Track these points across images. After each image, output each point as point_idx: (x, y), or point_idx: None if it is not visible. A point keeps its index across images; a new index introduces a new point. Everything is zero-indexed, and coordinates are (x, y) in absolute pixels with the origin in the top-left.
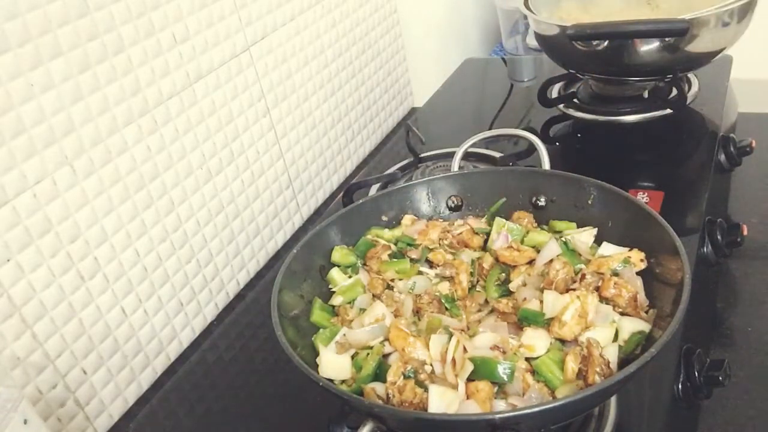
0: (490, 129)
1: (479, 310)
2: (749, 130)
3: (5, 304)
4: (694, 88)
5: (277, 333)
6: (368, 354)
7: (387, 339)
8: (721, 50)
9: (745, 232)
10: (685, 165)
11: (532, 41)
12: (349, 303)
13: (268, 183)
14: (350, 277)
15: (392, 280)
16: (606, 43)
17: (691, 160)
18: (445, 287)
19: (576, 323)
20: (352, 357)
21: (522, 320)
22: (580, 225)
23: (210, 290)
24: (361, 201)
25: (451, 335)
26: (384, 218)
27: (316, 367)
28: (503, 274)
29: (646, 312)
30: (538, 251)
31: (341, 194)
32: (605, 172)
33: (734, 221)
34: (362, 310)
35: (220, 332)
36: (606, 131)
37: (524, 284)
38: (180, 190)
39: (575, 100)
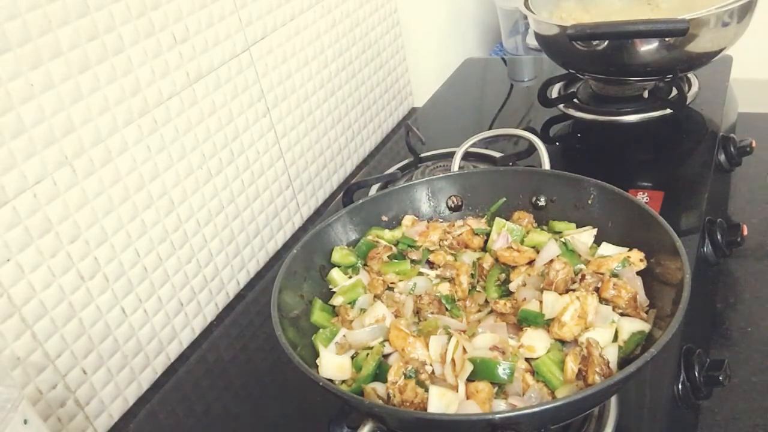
0: (490, 129)
1: (479, 311)
2: (749, 130)
3: (5, 304)
4: (694, 88)
5: (277, 333)
6: (368, 354)
7: (387, 339)
8: (721, 50)
9: (745, 232)
10: (685, 165)
11: (532, 41)
12: (350, 303)
13: (268, 183)
14: (350, 277)
15: (392, 282)
16: (606, 43)
17: (691, 160)
18: (445, 288)
19: (576, 324)
20: (352, 357)
21: (522, 321)
22: (580, 225)
23: (210, 290)
24: (361, 201)
25: (450, 336)
26: (384, 218)
27: (316, 367)
28: (503, 275)
29: (646, 312)
30: (538, 252)
31: (341, 194)
32: (605, 172)
33: (734, 221)
34: (363, 311)
35: (220, 332)
36: (606, 131)
37: (524, 284)
38: (180, 190)
39: (575, 100)
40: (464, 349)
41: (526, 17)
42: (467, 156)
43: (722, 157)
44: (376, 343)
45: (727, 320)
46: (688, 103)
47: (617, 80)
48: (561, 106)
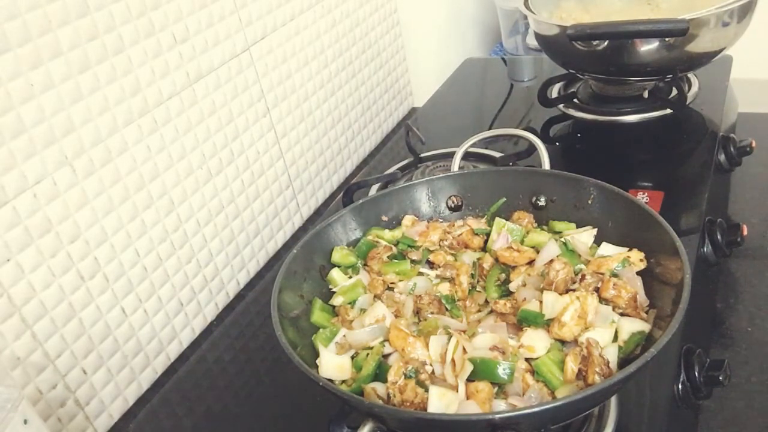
0: (490, 129)
1: (479, 311)
2: (749, 130)
3: (5, 304)
4: (694, 88)
5: (277, 333)
6: (368, 354)
7: (387, 339)
8: (721, 50)
9: (745, 232)
10: (685, 165)
11: (532, 41)
12: (350, 303)
13: (268, 183)
14: (350, 277)
15: (392, 282)
16: (606, 43)
17: (691, 160)
18: (445, 288)
19: (576, 324)
20: (352, 357)
21: (522, 321)
22: (580, 225)
23: (210, 290)
24: (361, 201)
25: (450, 336)
26: (384, 218)
27: (316, 367)
28: (503, 275)
29: (646, 312)
30: (538, 252)
31: (341, 194)
32: (605, 172)
33: (734, 221)
34: (363, 311)
35: (220, 332)
36: (606, 131)
37: (524, 284)
38: (180, 190)
39: (575, 100)
40: (464, 349)
41: (526, 17)
42: (467, 156)
43: (722, 157)
44: (376, 343)
45: (727, 320)
46: (688, 103)
47: (617, 80)
48: (561, 106)
